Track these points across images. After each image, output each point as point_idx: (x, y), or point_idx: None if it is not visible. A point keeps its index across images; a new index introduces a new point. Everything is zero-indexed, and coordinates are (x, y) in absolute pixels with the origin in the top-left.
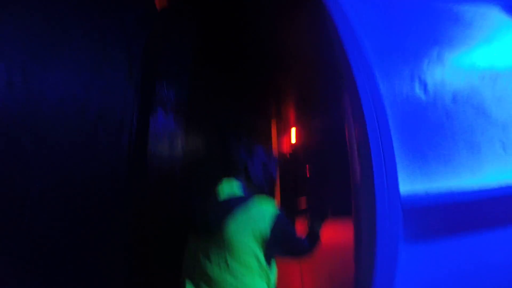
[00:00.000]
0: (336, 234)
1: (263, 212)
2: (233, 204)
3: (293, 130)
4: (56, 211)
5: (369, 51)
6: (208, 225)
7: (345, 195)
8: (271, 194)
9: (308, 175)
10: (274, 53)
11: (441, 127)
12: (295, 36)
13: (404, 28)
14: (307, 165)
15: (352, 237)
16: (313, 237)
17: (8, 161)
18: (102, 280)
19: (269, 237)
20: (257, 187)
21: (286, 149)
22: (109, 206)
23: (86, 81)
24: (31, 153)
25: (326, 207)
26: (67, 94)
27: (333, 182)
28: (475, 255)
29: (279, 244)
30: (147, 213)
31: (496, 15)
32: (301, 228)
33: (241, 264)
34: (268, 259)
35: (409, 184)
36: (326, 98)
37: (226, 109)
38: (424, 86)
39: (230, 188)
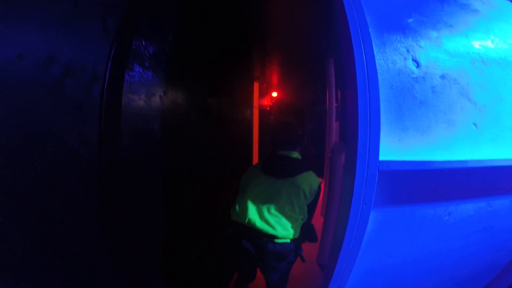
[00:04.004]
0: None
1: (316, 181)
2: (299, 163)
3: (277, 91)
4: (18, 175)
5: (371, 23)
6: (285, 172)
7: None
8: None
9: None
10: (264, 14)
11: (425, 101)
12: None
13: (409, 7)
14: (290, 124)
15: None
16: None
17: None
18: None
19: (313, 197)
20: (300, 153)
21: (268, 109)
22: (80, 164)
23: (51, 35)
24: None
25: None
26: (26, 49)
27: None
28: (437, 224)
29: (313, 203)
30: (121, 171)
31: (506, 6)
32: None
33: (296, 200)
34: (305, 208)
35: (387, 149)
36: (312, 62)
37: (208, 68)
38: (418, 62)
39: (292, 152)
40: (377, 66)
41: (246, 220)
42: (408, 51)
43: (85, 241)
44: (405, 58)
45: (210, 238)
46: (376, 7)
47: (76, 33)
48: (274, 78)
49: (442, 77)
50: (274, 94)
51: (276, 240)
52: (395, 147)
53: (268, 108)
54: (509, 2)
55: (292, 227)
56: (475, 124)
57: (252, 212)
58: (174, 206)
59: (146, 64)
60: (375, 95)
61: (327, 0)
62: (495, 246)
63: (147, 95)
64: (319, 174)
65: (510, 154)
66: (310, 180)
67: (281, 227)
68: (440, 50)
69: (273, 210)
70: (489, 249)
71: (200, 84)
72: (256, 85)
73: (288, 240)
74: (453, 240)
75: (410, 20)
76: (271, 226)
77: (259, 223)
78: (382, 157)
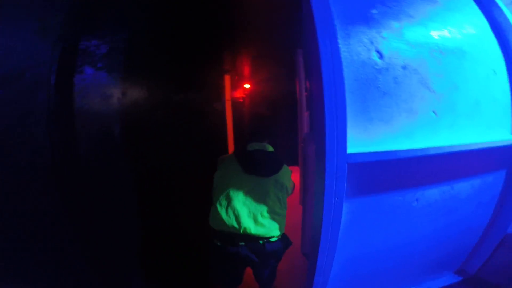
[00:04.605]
0: None
1: (290, 174)
2: (278, 158)
3: (249, 83)
4: None
5: (336, 14)
6: (269, 170)
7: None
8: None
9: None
10: (232, 5)
11: (388, 91)
12: None
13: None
14: (260, 116)
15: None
16: None
17: None
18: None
19: (292, 190)
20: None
21: (242, 101)
22: (35, 175)
23: None
24: None
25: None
26: None
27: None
28: (407, 211)
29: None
30: (81, 176)
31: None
32: None
33: (282, 197)
34: (286, 202)
35: (354, 141)
36: (282, 54)
37: (174, 64)
38: (381, 53)
39: (266, 145)
40: (342, 59)
41: (242, 230)
42: (371, 42)
43: (57, 251)
44: (368, 50)
45: (187, 235)
46: None
47: (5, 37)
48: (246, 70)
49: (404, 67)
50: (247, 86)
51: (271, 240)
52: (361, 138)
53: (241, 100)
54: None
55: (281, 223)
56: (434, 112)
57: (245, 220)
58: (148, 206)
59: (99, 65)
60: (340, 89)
61: None
62: (460, 228)
63: (103, 97)
64: (294, 163)
65: (465, 139)
66: (288, 175)
67: (274, 227)
68: (402, 41)
69: (265, 212)
70: (455, 232)
71: (165, 80)
72: (227, 78)
73: (278, 238)
74: (422, 225)
75: (374, 11)
76: (267, 228)
77: (255, 229)
78: (350, 149)
